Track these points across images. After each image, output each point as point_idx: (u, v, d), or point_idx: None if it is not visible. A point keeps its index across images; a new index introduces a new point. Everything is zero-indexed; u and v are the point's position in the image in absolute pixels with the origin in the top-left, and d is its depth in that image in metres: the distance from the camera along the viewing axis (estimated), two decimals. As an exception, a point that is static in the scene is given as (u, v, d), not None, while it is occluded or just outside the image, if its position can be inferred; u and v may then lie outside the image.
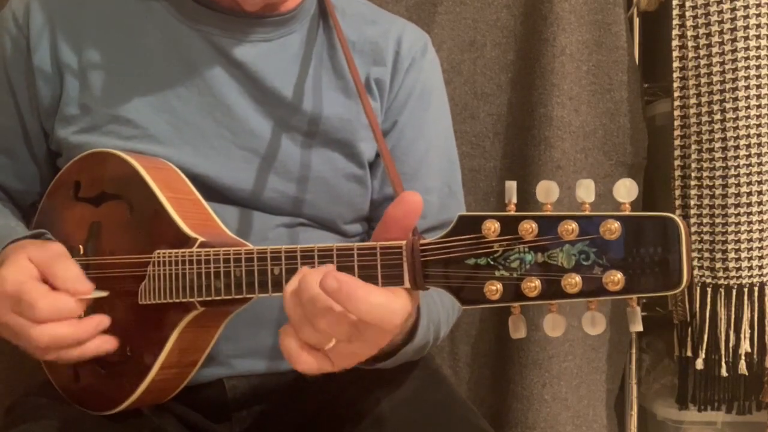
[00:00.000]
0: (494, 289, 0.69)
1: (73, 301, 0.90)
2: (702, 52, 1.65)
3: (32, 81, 1.15)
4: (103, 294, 0.96)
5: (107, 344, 0.94)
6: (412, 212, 0.76)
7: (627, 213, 0.65)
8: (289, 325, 0.77)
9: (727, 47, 1.61)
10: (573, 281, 0.66)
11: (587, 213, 0.66)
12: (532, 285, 0.67)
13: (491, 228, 0.69)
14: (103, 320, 0.93)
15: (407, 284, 0.75)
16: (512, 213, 0.69)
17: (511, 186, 0.71)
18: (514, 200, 0.70)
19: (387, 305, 0.73)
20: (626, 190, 0.66)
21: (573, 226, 0.65)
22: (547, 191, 0.68)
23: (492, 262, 0.70)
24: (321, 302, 0.73)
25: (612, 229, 0.64)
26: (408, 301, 0.77)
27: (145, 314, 0.98)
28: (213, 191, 1.11)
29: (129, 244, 1.01)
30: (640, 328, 0.67)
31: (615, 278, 0.64)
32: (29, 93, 1.16)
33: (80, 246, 1.05)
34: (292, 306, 0.76)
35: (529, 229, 0.67)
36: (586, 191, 0.67)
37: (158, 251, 0.95)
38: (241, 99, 1.15)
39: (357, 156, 1.19)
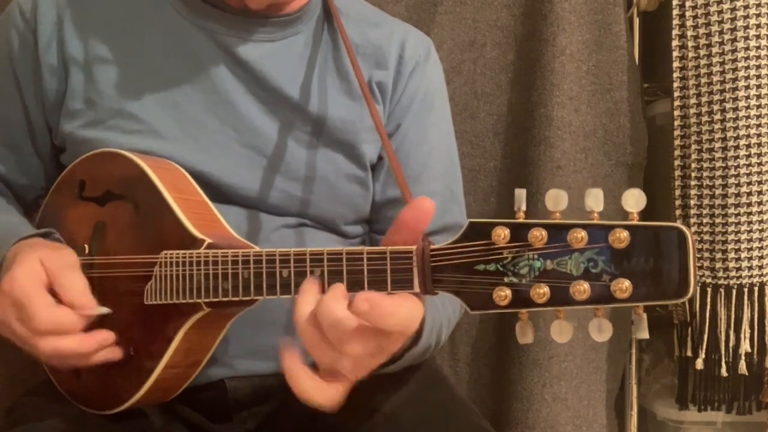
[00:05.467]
0: (503, 295, 0.70)
1: (74, 316, 0.92)
2: (702, 52, 1.65)
3: (38, 75, 1.16)
4: (106, 311, 0.96)
5: (113, 354, 0.96)
6: (423, 217, 0.77)
7: (635, 222, 0.66)
8: (299, 366, 0.79)
9: (727, 47, 1.62)
10: (581, 288, 0.66)
11: (596, 222, 0.67)
12: (541, 291, 0.68)
13: (501, 235, 0.69)
14: (107, 337, 0.95)
15: (417, 289, 0.76)
16: (522, 220, 0.70)
17: (521, 194, 0.71)
18: (524, 208, 0.71)
19: (411, 314, 0.76)
20: (635, 200, 0.66)
21: (582, 234, 0.66)
22: (556, 199, 0.69)
23: (501, 269, 0.70)
24: (347, 324, 0.75)
25: (621, 237, 0.65)
26: (421, 307, 0.78)
27: (150, 314, 0.98)
28: (215, 190, 1.11)
29: (134, 244, 1.02)
30: (646, 335, 0.68)
31: (623, 286, 0.65)
32: (35, 87, 1.17)
33: (85, 245, 1.06)
34: (309, 332, 0.77)
35: (538, 236, 0.67)
36: (595, 200, 0.67)
37: (165, 252, 0.95)
38: (245, 98, 1.15)
39: (359, 157, 1.20)
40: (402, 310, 0.75)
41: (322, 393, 0.80)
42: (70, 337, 0.91)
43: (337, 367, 0.78)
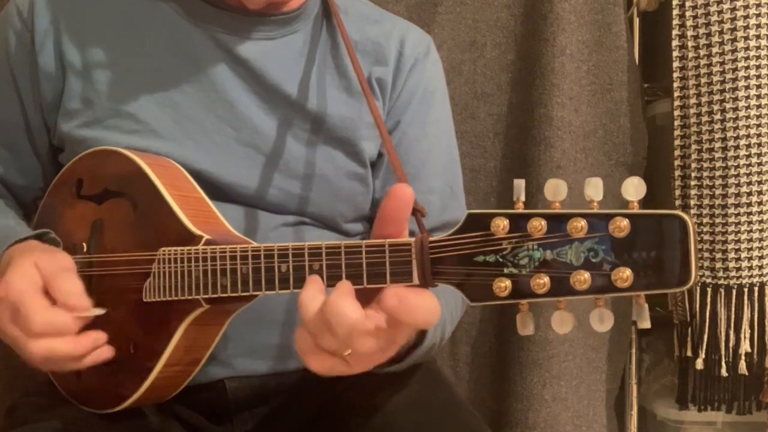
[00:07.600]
0: (503, 286, 0.69)
1: (69, 318, 0.90)
2: (702, 52, 1.65)
3: (36, 76, 1.15)
4: (101, 312, 0.95)
5: (104, 355, 0.95)
6: (404, 206, 0.77)
7: (635, 211, 0.65)
8: (305, 327, 0.77)
9: (727, 47, 1.62)
10: (582, 278, 0.66)
11: (596, 211, 0.66)
12: (541, 282, 0.67)
13: (500, 225, 0.69)
14: (99, 337, 0.93)
15: (416, 281, 0.75)
16: (521, 211, 0.69)
17: (519, 184, 0.71)
18: (523, 198, 0.70)
19: (433, 306, 0.75)
20: (634, 189, 0.66)
21: (582, 223, 0.65)
22: (555, 189, 0.68)
23: (501, 260, 0.70)
24: (364, 326, 0.74)
25: (621, 226, 0.64)
26: (436, 300, 0.76)
27: (149, 312, 0.97)
28: (214, 188, 1.11)
29: (132, 241, 1.01)
30: (648, 324, 0.68)
31: (624, 275, 0.64)
32: (32, 87, 1.16)
33: (83, 243, 1.05)
34: (314, 324, 0.76)
35: (538, 226, 0.67)
36: (594, 189, 0.67)
37: (163, 249, 0.95)
38: (244, 96, 1.15)
39: (359, 154, 1.19)
40: (427, 303, 0.74)
41: (323, 363, 0.78)
42: (63, 339, 0.90)
43: (337, 353, 0.77)
